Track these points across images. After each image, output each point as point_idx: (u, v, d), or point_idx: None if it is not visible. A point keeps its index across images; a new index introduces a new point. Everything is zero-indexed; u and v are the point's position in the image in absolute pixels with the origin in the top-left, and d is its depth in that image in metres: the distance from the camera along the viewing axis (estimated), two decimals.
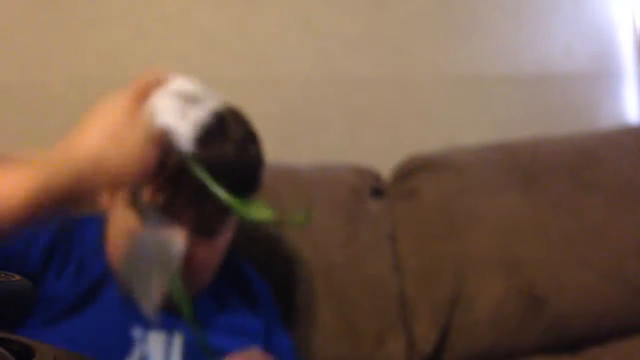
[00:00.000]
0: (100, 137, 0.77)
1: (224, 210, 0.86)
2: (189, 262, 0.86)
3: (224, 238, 0.95)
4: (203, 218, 0.89)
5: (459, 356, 1.17)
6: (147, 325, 0.90)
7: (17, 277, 0.35)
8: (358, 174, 1.26)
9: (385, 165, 1.31)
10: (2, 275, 0.35)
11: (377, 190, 1.26)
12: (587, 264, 1.19)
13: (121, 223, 0.91)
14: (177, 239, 0.85)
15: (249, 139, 0.98)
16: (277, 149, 1.48)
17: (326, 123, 1.50)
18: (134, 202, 0.88)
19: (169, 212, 0.87)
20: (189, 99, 0.82)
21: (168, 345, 0.92)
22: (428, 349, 1.16)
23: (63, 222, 0.95)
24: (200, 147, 0.79)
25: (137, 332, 0.91)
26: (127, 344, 0.90)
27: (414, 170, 1.26)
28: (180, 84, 0.83)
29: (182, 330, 0.91)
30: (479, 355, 1.17)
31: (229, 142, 0.92)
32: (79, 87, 1.44)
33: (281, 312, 1.08)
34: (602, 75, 1.60)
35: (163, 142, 0.75)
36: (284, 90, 1.49)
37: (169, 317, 0.87)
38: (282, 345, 1.02)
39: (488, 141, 1.33)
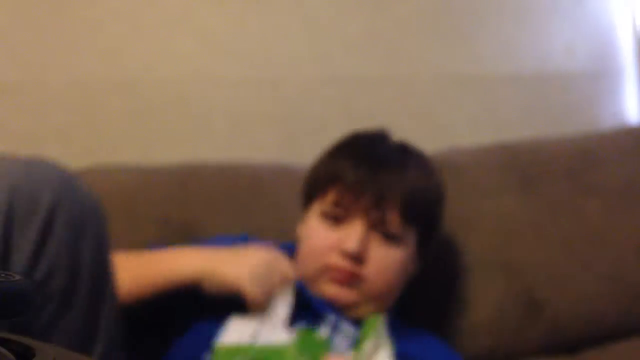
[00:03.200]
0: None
1: (404, 215, 1.00)
2: (363, 260, 0.98)
3: (400, 252, 1.02)
4: (379, 222, 0.99)
5: None
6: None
7: (17, 277, 0.35)
8: None
9: None
10: (2, 275, 0.35)
11: None
12: (587, 266, 1.19)
13: (308, 228, 1.04)
14: (351, 233, 0.98)
15: (429, 174, 1.08)
16: (276, 149, 1.49)
17: (326, 123, 1.50)
18: (321, 205, 1.03)
19: (349, 206, 1.00)
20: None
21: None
22: None
23: None
24: (382, 165, 1.02)
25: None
26: None
27: None
28: None
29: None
30: (478, 358, 1.16)
31: (409, 170, 1.05)
32: (79, 87, 1.44)
33: None
34: (602, 75, 1.60)
35: None
36: (284, 90, 1.49)
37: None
38: None
39: (488, 141, 1.33)
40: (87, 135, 1.45)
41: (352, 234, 0.98)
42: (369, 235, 0.99)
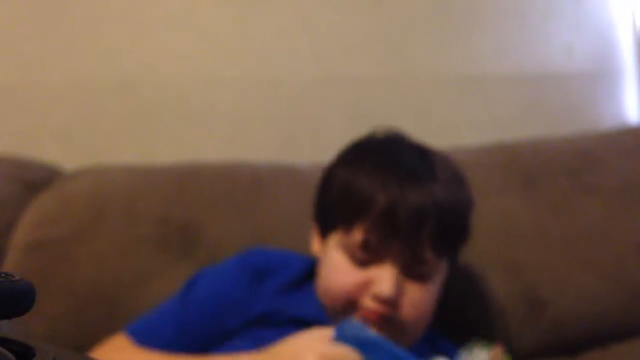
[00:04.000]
0: None
1: (433, 257, 0.92)
2: (396, 303, 0.90)
3: (434, 285, 0.95)
4: (412, 262, 0.92)
5: None
6: None
7: (17, 277, 0.35)
8: None
9: None
10: (2, 275, 0.35)
11: None
12: (588, 266, 1.19)
13: (331, 261, 0.95)
14: (383, 276, 0.90)
15: (457, 181, 0.98)
16: (277, 149, 1.49)
17: (326, 123, 1.50)
18: (345, 242, 0.93)
19: (379, 250, 0.91)
20: None
21: None
22: None
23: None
24: (410, 187, 0.89)
25: None
26: None
27: None
28: None
29: None
30: None
31: (441, 182, 0.94)
32: (79, 87, 1.44)
33: None
34: (602, 75, 1.60)
35: None
36: (284, 90, 1.49)
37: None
38: None
39: (488, 141, 1.33)
40: (87, 135, 1.45)
41: (385, 277, 0.90)
42: (401, 276, 0.91)
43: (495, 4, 1.57)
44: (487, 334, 1.16)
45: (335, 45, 1.51)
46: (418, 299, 0.93)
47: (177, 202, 1.17)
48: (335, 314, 0.93)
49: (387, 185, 0.91)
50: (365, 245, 0.91)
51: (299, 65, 1.50)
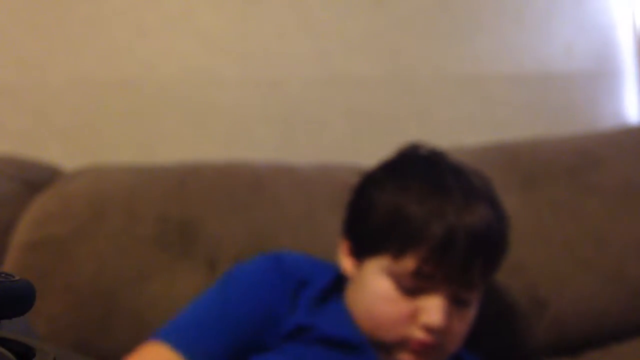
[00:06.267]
0: None
1: (480, 281, 0.93)
2: (444, 331, 0.90)
3: (474, 309, 0.95)
4: (461, 288, 0.91)
5: None
6: None
7: (17, 277, 0.35)
8: (358, 174, 1.26)
9: None
10: (2, 275, 0.35)
11: None
12: (588, 266, 1.19)
13: (376, 288, 0.93)
14: (433, 306, 0.89)
15: (496, 197, 0.97)
16: (277, 149, 1.49)
17: (326, 123, 1.50)
18: (394, 269, 0.91)
19: (431, 279, 0.90)
20: None
21: None
22: None
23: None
24: (464, 214, 0.89)
25: None
26: None
27: None
28: None
29: None
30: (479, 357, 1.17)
31: (486, 202, 0.93)
32: (79, 87, 1.45)
33: None
34: (602, 75, 1.60)
35: None
36: (284, 90, 1.49)
37: None
38: None
39: (488, 141, 1.33)
40: (87, 135, 1.45)
41: (435, 306, 0.89)
42: (449, 304, 0.91)
43: (495, 4, 1.57)
44: (488, 334, 1.16)
45: (335, 45, 1.51)
46: (460, 324, 0.93)
47: (177, 201, 1.17)
48: (380, 341, 0.93)
49: (442, 214, 0.90)
50: (417, 274, 0.90)
51: (299, 65, 1.50)
